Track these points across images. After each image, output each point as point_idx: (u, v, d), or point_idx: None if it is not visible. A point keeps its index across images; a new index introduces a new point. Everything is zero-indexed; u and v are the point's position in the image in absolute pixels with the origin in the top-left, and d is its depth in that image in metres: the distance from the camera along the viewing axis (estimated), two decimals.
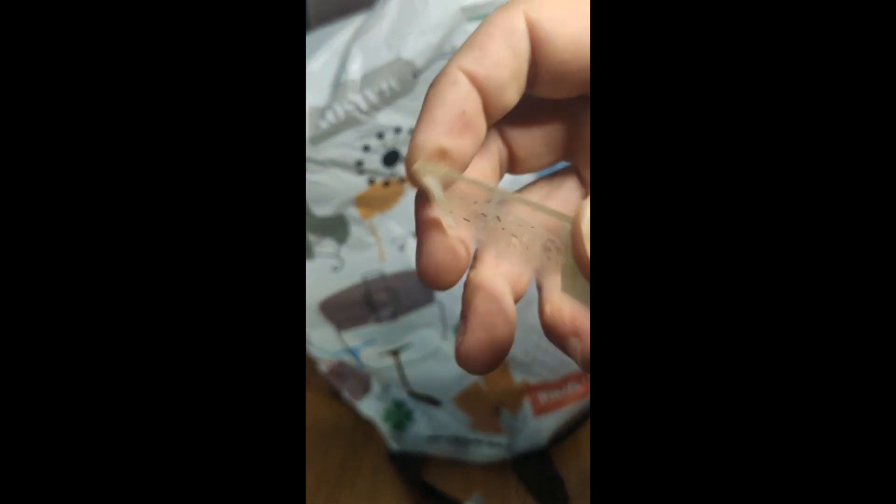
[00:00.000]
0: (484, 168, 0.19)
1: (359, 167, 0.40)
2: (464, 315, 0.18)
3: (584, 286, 0.17)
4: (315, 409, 0.53)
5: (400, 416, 0.49)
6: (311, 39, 0.42)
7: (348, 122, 0.38)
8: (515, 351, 0.45)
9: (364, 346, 0.46)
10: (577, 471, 0.48)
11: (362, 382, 0.50)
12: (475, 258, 0.19)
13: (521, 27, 0.17)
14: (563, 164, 0.21)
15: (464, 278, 0.19)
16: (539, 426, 0.48)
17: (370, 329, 0.45)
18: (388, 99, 0.37)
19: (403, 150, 0.40)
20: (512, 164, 0.20)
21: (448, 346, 0.46)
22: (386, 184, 0.41)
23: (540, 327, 0.48)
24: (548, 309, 0.18)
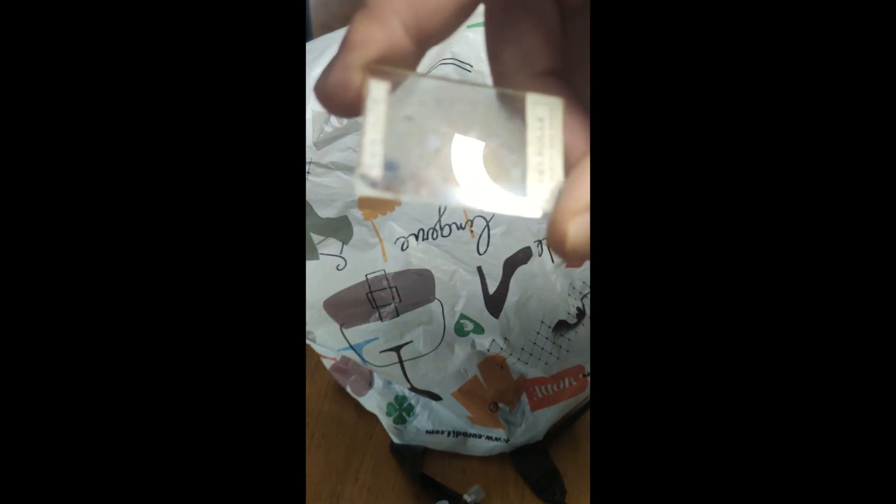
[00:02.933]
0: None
1: None
2: None
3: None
4: (319, 403, 0.54)
5: (401, 410, 0.51)
6: (315, 46, 0.43)
7: (351, 127, 0.39)
8: (513, 348, 0.47)
9: (366, 342, 0.47)
10: (573, 464, 0.49)
11: (365, 378, 0.52)
12: None
13: None
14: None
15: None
16: (536, 420, 0.49)
17: (372, 326, 0.46)
18: None
19: None
20: None
21: (447, 343, 0.47)
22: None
23: (537, 324, 0.48)
24: (561, 224, 0.14)
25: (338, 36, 0.42)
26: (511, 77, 0.16)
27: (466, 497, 0.46)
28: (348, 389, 0.52)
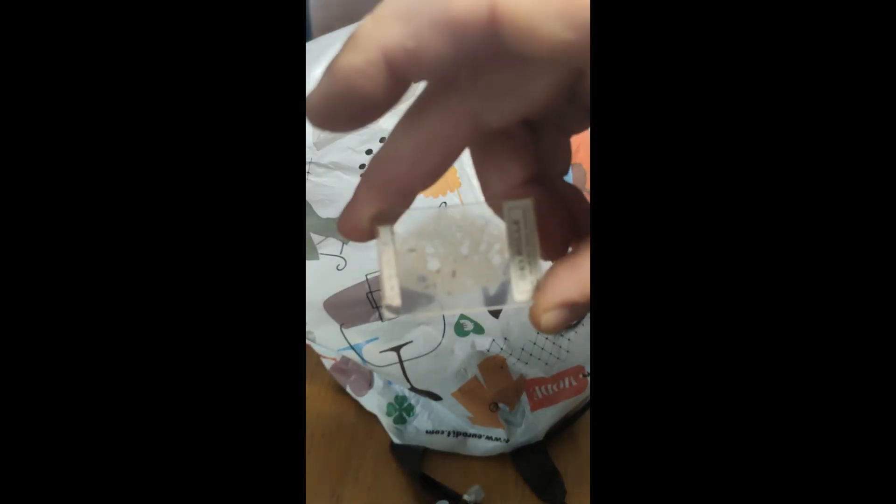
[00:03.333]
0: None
1: (362, 170, 0.41)
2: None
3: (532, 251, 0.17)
4: (319, 403, 0.54)
5: (401, 410, 0.51)
6: (314, 47, 0.43)
7: None
8: (513, 348, 0.47)
9: (366, 342, 0.47)
10: (573, 464, 0.49)
11: (365, 378, 0.52)
12: None
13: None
14: None
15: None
16: (536, 420, 0.49)
17: (372, 326, 0.46)
18: None
19: None
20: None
21: (447, 343, 0.47)
22: None
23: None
24: (536, 316, 0.17)
25: (338, 35, 0.42)
26: (495, 192, 0.19)
27: (466, 497, 0.45)
28: (348, 389, 0.52)
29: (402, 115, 0.18)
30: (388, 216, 0.18)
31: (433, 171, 0.18)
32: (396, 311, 0.17)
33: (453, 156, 0.18)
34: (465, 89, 0.17)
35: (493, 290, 0.18)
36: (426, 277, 0.17)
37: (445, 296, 0.17)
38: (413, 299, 0.17)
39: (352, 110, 0.16)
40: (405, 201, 0.18)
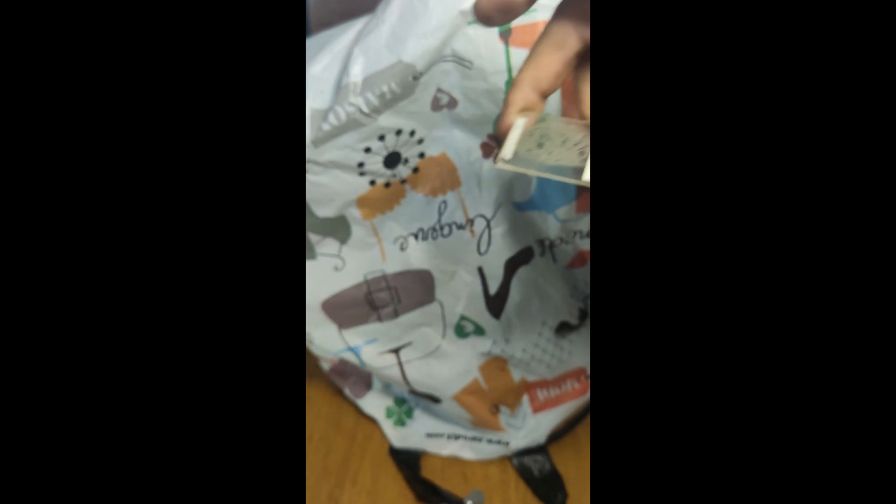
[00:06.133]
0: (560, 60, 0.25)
1: (360, 169, 0.41)
2: None
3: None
4: (317, 406, 0.54)
5: (401, 413, 0.50)
6: (313, 43, 0.42)
7: (350, 125, 0.39)
8: (515, 349, 0.46)
9: (365, 344, 0.47)
10: (575, 468, 0.49)
11: (364, 380, 0.51)
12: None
13: None
14: None
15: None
16: (538, 423, 0.49)
17: (371, 328, 0.46)
18: (389, 101, 0.38)
19: (404, 153, 0.41)
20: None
21: (447, 345, 0.46)
22: (387, 185, 0.42)
23: (538, 325, 0.48)
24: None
25: (336, 32, 0.42)
26: (582, 94, 0.27)
27: (467, 501, 0.45)
28: (346, 392, 0.52)
29: (538, 36, 0.26)
30: (525, 114, 0.26)
31: (556, 74, 0.26)
32: (506, 162, 0.26)
33: (569, 63, 0.26)
34: (571, 16, 0.25)
35: (567, 171, 0.25)
36: (532, 150, 0.26)
37: (539, 164, 0.25)
38: (517, 160, 0.26)
39: (502, 8, 0.24)
40: (541, 98, 0.26)
